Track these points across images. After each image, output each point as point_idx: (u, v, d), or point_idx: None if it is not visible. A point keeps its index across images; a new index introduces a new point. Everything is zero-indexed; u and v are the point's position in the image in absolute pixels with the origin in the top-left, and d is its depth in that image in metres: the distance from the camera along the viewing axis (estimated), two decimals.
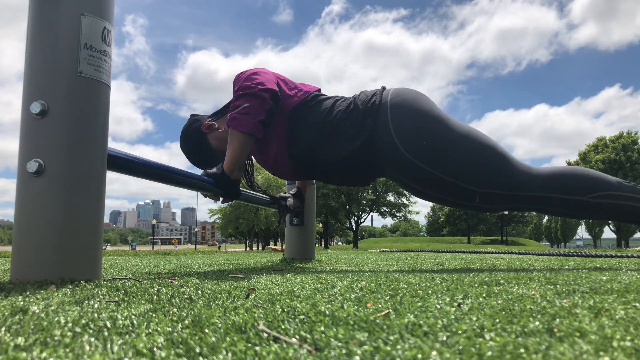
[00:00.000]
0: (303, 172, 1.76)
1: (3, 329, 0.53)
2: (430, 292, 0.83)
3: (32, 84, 0.98)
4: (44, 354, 0.43)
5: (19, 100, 1.00)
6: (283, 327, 0.54)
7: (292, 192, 2.32)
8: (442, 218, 56.13)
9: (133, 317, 0.60)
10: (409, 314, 0.60)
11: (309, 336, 0.49)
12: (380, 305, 0.68)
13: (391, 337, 0.48)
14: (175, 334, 0.51)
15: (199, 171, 1.68)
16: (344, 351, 0.43)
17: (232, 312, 0.63)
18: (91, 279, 0.98)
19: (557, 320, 0.56)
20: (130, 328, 0.54)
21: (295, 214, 2.52)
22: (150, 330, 0.53)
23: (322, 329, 0.52)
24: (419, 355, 0.41)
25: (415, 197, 1.72)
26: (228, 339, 0.48)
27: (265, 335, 0.50)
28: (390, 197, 35.58)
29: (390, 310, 0.63)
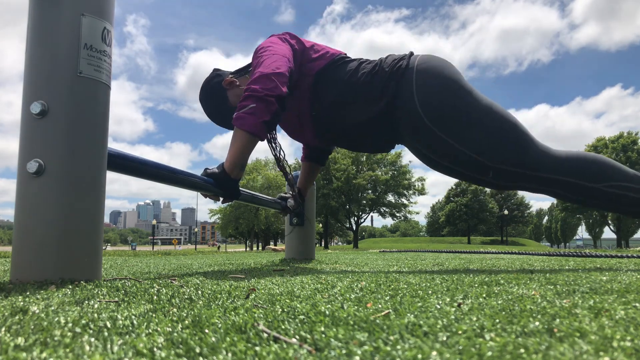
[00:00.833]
0: (323, 136, 1.77)
1: (3, 329, 0.53)
2: (430, 292, 0.83)
3: (32, 84, 0.98)
4: (44, 354, 0.43)
5: (20, 100, 1.00)
6: (283, 327, 0.54)
7: (292, 193, 2.32)
8: (442, 218, 56.13)
9: (133, 317, 0.60)
10: (409, 314, 0.60)
11: (309, 336, 0.49)
12: (380, 306, 0.68)
13: (391, 337, 0.48)
14: (175, 334, 0.51)
15: (199, 167, 1.68)
16: (344, 351, 0.43)
17: (232, 312, 0.63)
18: (91, 279, 0.98)
19: (557, 320, 0.56)
20: (130, 328, 0.54)
21: (295, 214, 2.52)
22: (150, 331, 0.53)
23: (322, 329, 0.52)
24: (419, 356, 0.41)
25: (429, 168, 1.73)
26: (228, 339, 0.48)
27: (265, 335, 0.50)
28: (390, 198, 35.58)
29: (390, 310, 0.63)
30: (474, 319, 0.57)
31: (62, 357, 0.43)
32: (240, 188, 1.76)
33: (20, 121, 0.98)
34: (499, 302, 0.70)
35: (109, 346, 0.46)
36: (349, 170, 32.70)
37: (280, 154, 2.00)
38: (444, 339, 0.47)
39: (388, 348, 0.44)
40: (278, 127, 1.94)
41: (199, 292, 0.84)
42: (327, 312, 0.61)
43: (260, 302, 0.74)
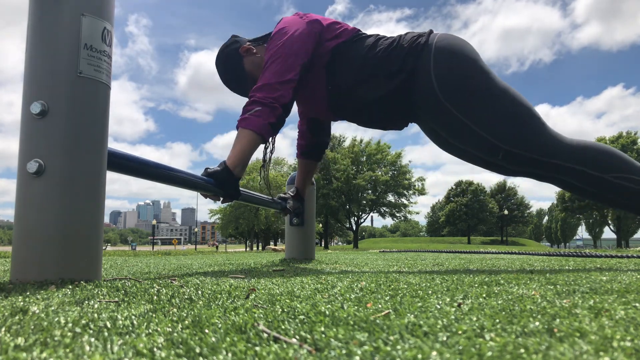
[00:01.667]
0: (337, 110, 1.77)
1: (3, 329, 0.53)
2: (430, 292, 0.83)
3: (32, 84, 0.98)
4: (44, 354, 0.43)
5: (20, 100, 1.00)
6: (283, 327, 0.54)
7: (291, 193, 2.32)
8: (442, 218, 56.13)
9: (133, 317, 0.60)
10: (409, 314, 0.60)
11: (309, 336, 0.49)
12: (380, 306, 0.68)
13: (391, 338, 0.48)
14: (175, 334, 0.51)
15: (199, 167, 1.68)
16: (344, 351, 0.43)
17: (232, 313, 0.63)
18: (91, 279, 0.98)
19: (557, 320, 0.56)
20: (130, 328, 0.54)
21: (295, 215, 2.52)
22: (150, 331, 0.53)
23: (322, 329, 0.52)
24: (419, 356, 0.41)
25: (438, 147, 1.73)
26: (228, 339, 0.48)
27: (265, 335, 0.50)
28: (390, 198, 35.59)
29: (390, 310, 0.63)
30: (474, 319, 0.57)
31: (62, 357, 0.43)
32: (240, 188, 1.76)
33: (20, 121, 0.98)
34: (499, 302, 0.70)
35: (109, 346, 0.46)
36: (349, 171, 32.70)
37: (268, 156, 1.97)
38: (444, 339, 0.47)
39: (388, 348, 0.44)
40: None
41: (199, 292, 0.84)
42: (327, 312, 0.61)
43: (260, 302, 0.74)
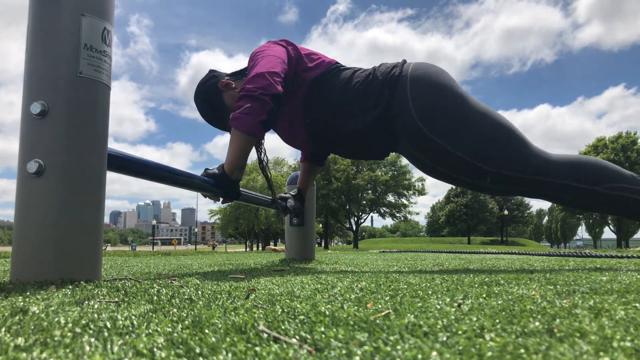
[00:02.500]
0: (318, 143, 1.77)
1: (3, 329, 0.53)
2: (430, 292, 0.83)
3: (32, 84, 0.98)
4: (44, 355, 0.43)
5: (20, 100, 1.00)
6: (283, 327, 0.54)
7: (293, 193, 2.32)
8: (442, 218, 56.12)
9: (133, 317, 0.60)
10: (409, 315, 0.60)
11: (309, 336, 0.49)
12: (380, 306, 0.68)
13: (391, 338, 0.48)
14: (175, 334, 0.51)
15: (199, 167, 1.68)
16: (344, 351, 0.43)
17: (232, 313, 0.63)
18: (91, 280, 0.98)
19: (557, 320, 0.56)
20: (130, 328, 0.54)
21: (295, 215, 2.52)
22: (150, 331, 0.53)
23: (322, 329, 0.52)
24: (419, 356, 0.41)
25: (425, 175, 1.72)
26: (228, 339, 0.48)
27: (266, 335, 0.50)
28: (390, 198, 35.59)
29: (390, 310, 0.63)
30: (474, 319, 0.57)
31: (62, 358, 0.43)
32: (240, 188, 1.76)
33: (21, 121, 0.98)
34: (499, 302, 0.70)
35: (109, 346, 0.46)
36: (349, 171, 32.71)
37: (264, 158, 1.98)
38: (444, 339, 0.47)
39: (388, 348, 0.44)
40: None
41: (199, 292, 0.84)
42: (327, 313, 0.61)
43: (260, 302, 0.74)
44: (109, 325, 0.55)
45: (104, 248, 1.77)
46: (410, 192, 34.83)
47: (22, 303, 0.69)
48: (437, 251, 4.24)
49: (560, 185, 1.51)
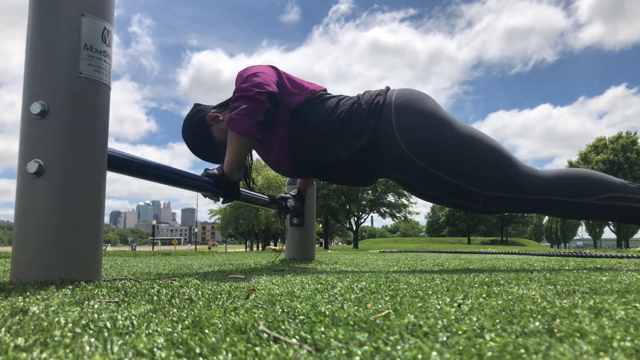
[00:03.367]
0: (304, 171, 1.75)
1: (3, 329, 0.53)
2: (430, 292, 0.83)
3: (32, 84, 0.98)
4: (44, 355, 0.43)
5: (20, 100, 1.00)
6: (283, 327, 0.54)
7: (293, 193, 2.32)
8: (442, 218, 56.13)
9: (133, 317, 0.60)
10: (409, 315, 0.60)
11: (309, 336, 0.49)
12: (380, 306, 0.68)
13: (391, 338, 0.48)
14: (175, 334, 0.51)
15: (199, 167, 1.68)
16: (344, 351, 0.43)
17: (232, 313, 0.63)
18: (91, 280, 0.98)
19: (557, 320, 0.56)
20: (131, 328, 0.54)
21: (295, 215, 2.52)
22: (150, 331, 0.53)
23: (322, 329, 0.52)
24: (419, 356, 0.41)
25: (416, 197, 1.72)
26: (228, 339, 0.48)
27: (266, 335, 0.50)
28: (390, 198, 35.59)
29: (391, 310, 0.63)
30: (474, 319, 0.57)
31: (62, 358, 0.43)
32: (240, 188, 1.76)
33: (20, 121, 0.99)
34: (499, 302, 0.70)
35: (109, 346, 0.46)
36: None
37: (248, 166, 1.95)
38: (444, 339, 0.47)
39: (388, 348, 0.44)
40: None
41: (199, 292, 0.84)
42: (327, 313, 0.61)
43: (261, 302, 0.74)
44: (109, 325, 0.55)
45: (104, 248, 1.77)
46: None
47: (22, 303, 0.69)
48: (437, 251, 4.24)
49: (552, 202, 1.52)
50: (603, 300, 0.70)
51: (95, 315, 0.61)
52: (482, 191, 1.52)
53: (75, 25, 0.99)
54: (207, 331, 0.52)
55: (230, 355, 0.43)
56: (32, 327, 0.54)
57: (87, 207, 0.99)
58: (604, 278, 1.02)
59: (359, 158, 1.60)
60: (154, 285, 0.92)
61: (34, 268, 0.93)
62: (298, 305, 0.68)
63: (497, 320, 0.56)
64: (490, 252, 4.22)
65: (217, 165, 1.68)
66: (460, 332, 0.50)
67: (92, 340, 0.48)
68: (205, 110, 1.84)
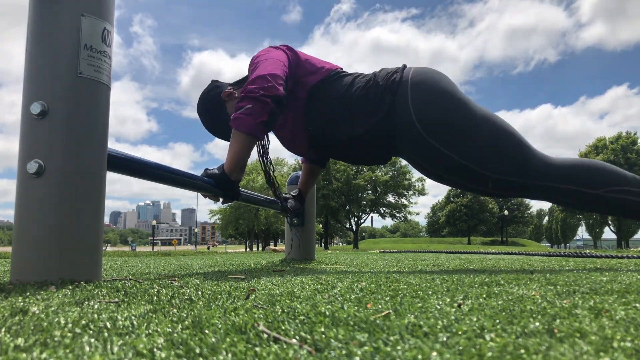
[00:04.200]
0: (319, 149, 1.77)
1: (3, 329, 0.53)
2: (430, 292, 0.83)
3: (32, 84, 0.98)
4: (44, 355, 0.43)
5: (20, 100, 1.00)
6: (283, 327, 0.54)
7: (293, 194, 2.32)
8: (442, 219, 56.13)
9: (133, 317, 0.60)
10: (409, 315, 0.60)
11: (309, 337, 0.49)
12: (380, 306, 0.68)
13: (391, 338, 0.48)
14: (175, 334, 0.51)
15: (199, 167, 1.68)
16: (344, 352, 0.43)
17: (232, 313, 0.63)
18: (91, 280, 0.98)
19: (558, 320, 0.56)
20: (130, 329, 0.54)
21: (295, 215, 2.52)
22: (150, 331, 0.53)
23: (322, 329, 0.52)
24: (419, 356, 0.41)
25: (426, 177, 1.73)
26: (228, 339, 0.48)
27: (266, 335, 0.50)
28: (390, 198, 35.60)
29: (391, 310, 0.63)
30: (474, 319, 0.57)
31: (62, 358, 0.43)
32: (240, 188, 1.76)
33: (20, 122, 0.99)
34: (499, 302, 0.70)
35: (109, 347, 0.46)
36: (349, 171, 32.72)
37: (270, 169, 1.99)
38: (444, 339, 0.47)
39: (388, 348, 0.44)
40: (271, 140, 1.94)
41: (199, 292, 0.84)
42: (327, 313, 0.61)
43: (261, 302, 0.74)
44: (109, 325, 0.55)
45: (104, 248, 1.78)
46: (410, 192, 34.84)
47: (22, 303, 0.69)
48: (437, 251, 4.24)
49: (563, 190, 1.51)
50: (603, 301, 0.70)
51: (95, 316, 0.61)
52: (492, 174, 1.51)
53: (75, 25, 0.99)
54: (207, 331, 0.52)
55: (230, 355, 0.43)
56: (32, 328, 0.54)
57: (87, 207, 0.99)
58: (604, 278, 1.02)
59: (374, 135, 1.61)
60: (154, 285, 0.92)
61: (34, 268, 0.93)
62: (298, 306, 0.68)
63: (497, 321, 0.56)
64: (491, 252, 4.22)
65: (217, 166, 1.68)
66: (460, 333, 0.50)
67: (92, 340, 0.48)
68: (222, 87, 1.84)
